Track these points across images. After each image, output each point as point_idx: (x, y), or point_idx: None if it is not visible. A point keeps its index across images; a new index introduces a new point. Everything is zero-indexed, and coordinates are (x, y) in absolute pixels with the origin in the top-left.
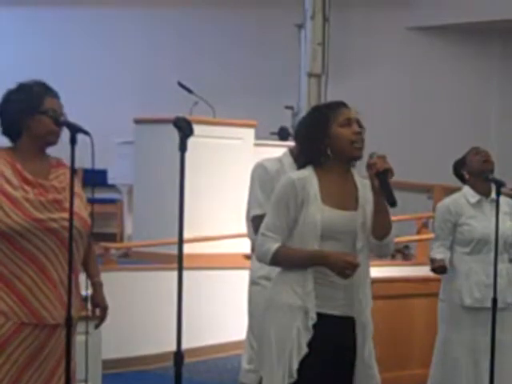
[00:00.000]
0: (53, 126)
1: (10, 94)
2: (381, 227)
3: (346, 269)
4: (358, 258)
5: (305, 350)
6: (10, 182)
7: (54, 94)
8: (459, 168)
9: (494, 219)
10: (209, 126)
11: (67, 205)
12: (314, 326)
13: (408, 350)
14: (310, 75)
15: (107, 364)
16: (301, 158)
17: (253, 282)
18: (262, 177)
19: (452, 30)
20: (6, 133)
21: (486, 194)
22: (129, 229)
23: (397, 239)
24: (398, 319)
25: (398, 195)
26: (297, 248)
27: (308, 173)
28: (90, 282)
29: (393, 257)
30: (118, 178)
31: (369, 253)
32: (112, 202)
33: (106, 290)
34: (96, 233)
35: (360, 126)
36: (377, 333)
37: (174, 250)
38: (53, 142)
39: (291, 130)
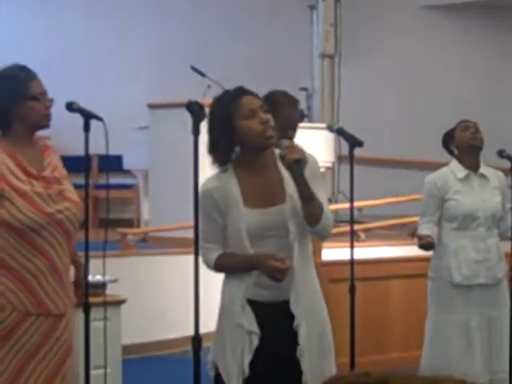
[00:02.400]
0: (44, 110)
1: None
2: (309, 215)
3: (276, 273)
4: (286, 262)
5: (255, 344)
6: (17, 176)
7: (35, 76)
8: (448, 141)
9: (482, 194)
10: None
11: (67, 194)
12: (256, 316)
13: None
14: (323, 56)
15: (126, 349)
16: (214, 157)
17: None
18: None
19: (466, 7)
20: None
21: (474, 168)
22: (145, 214)
23: (406, 220)
24: (413, 298)
25: (410, 174)
26: (232, 255)
27: (226, 177)
28: (71, 261)
29: (412, 236)
30: (133, 163)
31: (305, 236)
32: (128, 187)
33: (125, 276)
34: (113, 218)
35: (265, 111)
36: (392, 313)
37: (191, 234)
38: (46, 126)
39: (306, 112)
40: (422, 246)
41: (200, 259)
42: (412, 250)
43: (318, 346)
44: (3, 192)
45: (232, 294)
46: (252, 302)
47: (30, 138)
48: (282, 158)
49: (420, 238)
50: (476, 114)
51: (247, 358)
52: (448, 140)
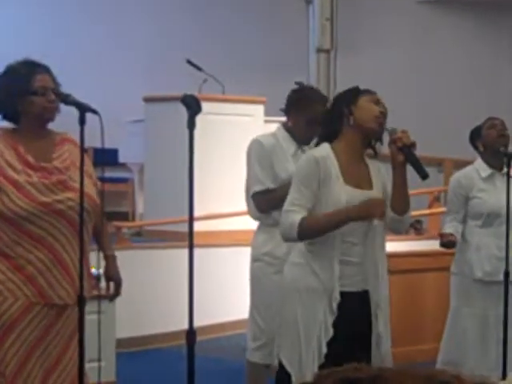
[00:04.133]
0: (46, 104)
1: None
2: (401, 202)
3: (374, 207)
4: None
5: (331, 332)
6: (13, 166)
7: (42, 70)
8: (475, 138)
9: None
10: (218, 103)
11: (72, 184)
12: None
13: (420, 325)
14: (319, 51)
15: (120, 343)
16: (323, 125)
17: (256, 259)
18: (259, 153)
19: (463, 3)
20: (5, 117)
21: (498, 167)
22: (140, 207)
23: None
24: (409, 294)
25: (410, 169)
26: (317, 215)
27: (327, 151)
28: (103, 256)
29: (406, 231)
30: (128, 156)
31: (384, 229)
32: (123, 180)
33: (119, 269)
34: (108, 212)
35: (382, 104)
36: (389, 308)
37: (185, 228)
38: (50, 119)
39: None
40: (444, 244)
41: (281, 225)
42: (415, 245)
43: (386, 333)
44: None
45: (314, 269)
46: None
47: (40, 130)
48: (397, 140)
49: (442, 236)
50: (476, 107)
51: (324, 347)
52: (475, 137)
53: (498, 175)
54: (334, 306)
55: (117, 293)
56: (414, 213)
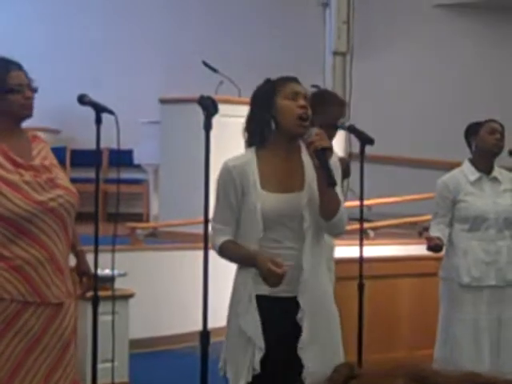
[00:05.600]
0: (22, 101)
1: None
2: (326, 207)
3: (271, 276)
4: (283, 268)
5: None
6: (4, 167)
7: (16, 67)
8: (471, 134)
9: (494, 197)
10: (234, 106)
11: (58, 181)
12: (265, 309)
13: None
14: (335, 53)
15: (134, 343)
16: (247, 133)
17: None
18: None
19: (480, 7)
20: None
21: (486, 171)
22: (155, 209)
23: (416, 218)
24: (423, 298)
25: (420, 173)
26: (237, 246)
27: (247, 158)
28: (73, 252)
29: (420, 235)
30: (143, 158)
31: (320, 231)
32: (138, 182)
33: (133, 270)
34: (122, 213)
35: (308, 104)
36: (402, 312)
37: (200, 230)
38: (28, 115)
39: None
40: (430, 248)
41: (209, 246)
42: (421, 249)
43: (322, 341)
44: None
45: (239, 289)
46: (260, 297)
47: (16, 129)
48: (310, 143)
49: (428, 239)
50: (490, 112)
51: (257, 364)
52: (471, 133)
53: (485, 179)
54: (253, 311)
55: (90, 286)
56: (419, 218)
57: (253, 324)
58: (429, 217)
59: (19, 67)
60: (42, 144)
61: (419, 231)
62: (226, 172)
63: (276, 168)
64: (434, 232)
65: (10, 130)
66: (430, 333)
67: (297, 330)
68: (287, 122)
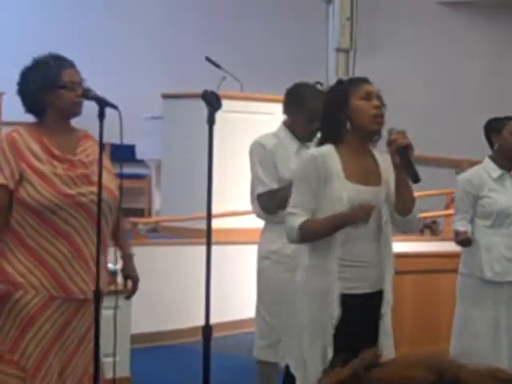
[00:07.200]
0: (74, 98)
1: (27, 73)
2: (403, 203)
3: (362, 211)
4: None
5: (331, 333)
6: (38, 157)
7: (69, 65)
8: (492, 130)
9: None
10: (237, 101)
11: (95, 178)
12: (345, 306)
13: (435, 326)
14: (338, 50)
15: (136, 338)
16: (322, 133)
17: (263, 257)
18: (260, 154)
19: (484, 4)
20: (29, 111)
21: (508, 168)
22: (157, 204)
23: (425, 214)
24: (426, 295)
25: (427, 170)
26: (315, 219)
27: (328, 149)
28: (120, 254)
29: (421, 232)
30: (146, 153)
31: (392, 228)
32: (140, 177)
33: (135, 264)
34: (124, 208)
35: (381, 102)
36: (405, 308)
37: (203, 225)
38: (77, 113)
39: None
40: (460, 242)
41: (285, 225)
42: (423, 246)
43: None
44: (24, 173)
45: (322, 286)
46: (342, 295)
47: (64, 125)
48: (393, 141)
49: (458, 233)
50: (490, 112)
51: (330, 351)
52: (493, 129)
53: (507, 176)
54: (336, 308)
55: (134, 291)
56: (430, 213)
57: (329, 320)
58: (430, 213)
59: (73, 65)
60: (91, 142)
61: (421, 228)
62: (311, 160)
63: (355, 161)
64: (459, 227)
65: (57, 125)
66: (432, 329)
67: (374, 326)
68: (363, 121)
